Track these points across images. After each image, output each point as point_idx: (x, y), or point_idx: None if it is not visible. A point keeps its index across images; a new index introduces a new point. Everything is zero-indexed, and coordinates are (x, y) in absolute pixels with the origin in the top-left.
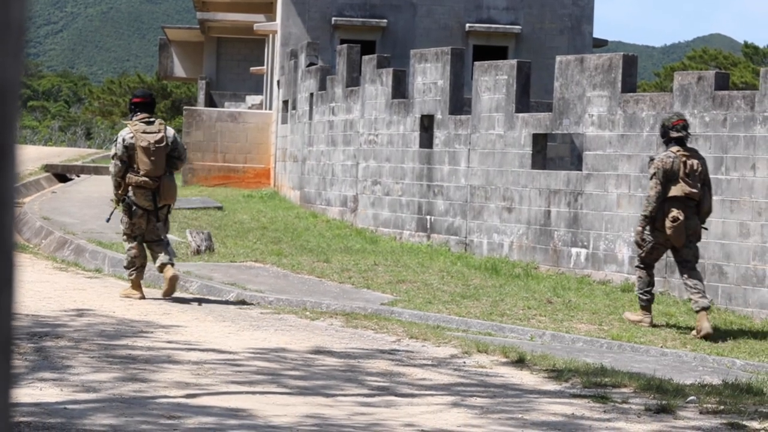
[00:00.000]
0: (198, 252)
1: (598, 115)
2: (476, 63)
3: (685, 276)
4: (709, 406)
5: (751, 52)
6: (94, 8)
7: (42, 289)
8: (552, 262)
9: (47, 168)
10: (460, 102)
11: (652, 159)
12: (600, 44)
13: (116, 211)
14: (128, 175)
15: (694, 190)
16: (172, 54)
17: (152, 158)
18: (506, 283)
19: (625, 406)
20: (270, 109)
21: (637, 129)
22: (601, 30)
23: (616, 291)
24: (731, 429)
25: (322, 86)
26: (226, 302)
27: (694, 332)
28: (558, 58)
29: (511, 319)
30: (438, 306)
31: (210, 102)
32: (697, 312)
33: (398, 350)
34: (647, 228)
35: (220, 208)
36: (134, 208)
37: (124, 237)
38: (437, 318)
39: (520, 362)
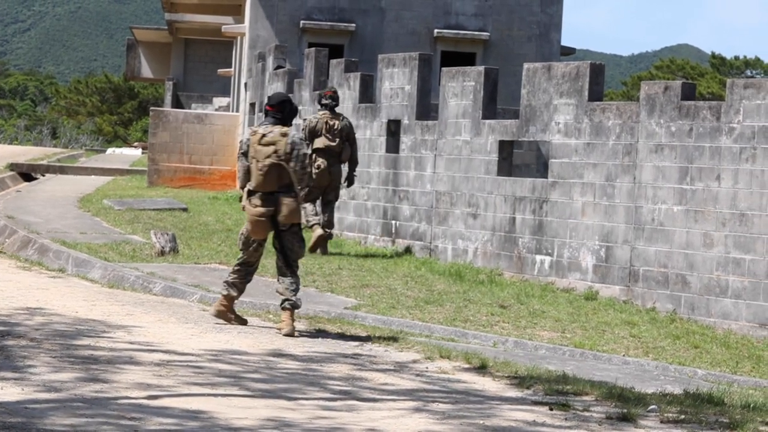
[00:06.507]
0: (162, 253)
1: (565, 123)
2: (444, 69)
3: (323, 211)
4: (670, 415)
5: (719, 63)
6: (62, 7)
7: (5, 288)
8: (516, 269)
9: (12, 167)
10: (427, 107)
11: (304, 119)
12: (568, 52)
13: None
14: None
15: (333, 144)
16: (140, 54)
17: None
18: (470, 289)
19: (587, 413)
20: (237, 111)
21: (603, 138)
22: (569, 38)
23: (580, 299)
24: None
25: (290, 89)
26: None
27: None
28: (525, 66)
29: (474, 325)
30: (401, 311)
31: (177, 103)
32: (312, 227)
33: (361, 354)
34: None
35: (185, 210)
36: None
37: None
38: (401, 323)
39: (482, 368)
